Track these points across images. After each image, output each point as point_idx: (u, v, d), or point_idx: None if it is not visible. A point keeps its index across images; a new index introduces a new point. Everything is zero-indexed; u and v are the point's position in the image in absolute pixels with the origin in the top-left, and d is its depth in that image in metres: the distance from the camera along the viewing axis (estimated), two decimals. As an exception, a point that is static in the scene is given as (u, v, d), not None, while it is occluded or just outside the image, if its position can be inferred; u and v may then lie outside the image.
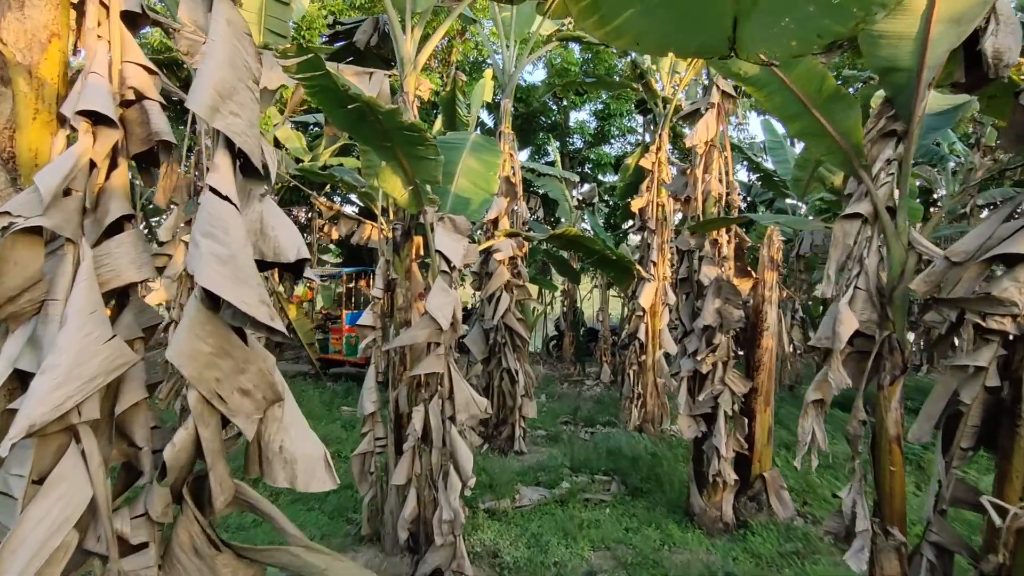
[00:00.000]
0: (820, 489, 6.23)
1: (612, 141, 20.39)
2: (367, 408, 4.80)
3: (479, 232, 10.80)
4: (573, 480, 6.59)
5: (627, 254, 4.96)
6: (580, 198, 17.37)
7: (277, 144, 18.03)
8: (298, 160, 14.87)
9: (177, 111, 16.37)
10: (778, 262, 5.43)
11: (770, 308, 5.45)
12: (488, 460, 7.48)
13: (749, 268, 5.31)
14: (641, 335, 8.57)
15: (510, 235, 4.70)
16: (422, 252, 4.84)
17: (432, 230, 4.37)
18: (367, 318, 4.86)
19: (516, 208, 8.57)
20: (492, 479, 6.57)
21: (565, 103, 18.63)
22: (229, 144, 1.50)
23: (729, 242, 5.28)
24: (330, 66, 3.26)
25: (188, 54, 1.83)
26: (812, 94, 2.71)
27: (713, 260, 5.40)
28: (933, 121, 3.93)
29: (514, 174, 8.26)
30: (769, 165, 12.92)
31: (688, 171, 5.61)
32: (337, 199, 22.79)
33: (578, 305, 17.10)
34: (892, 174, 2.60)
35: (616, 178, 20.36)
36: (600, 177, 20.04)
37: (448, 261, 4.40)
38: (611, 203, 18.75)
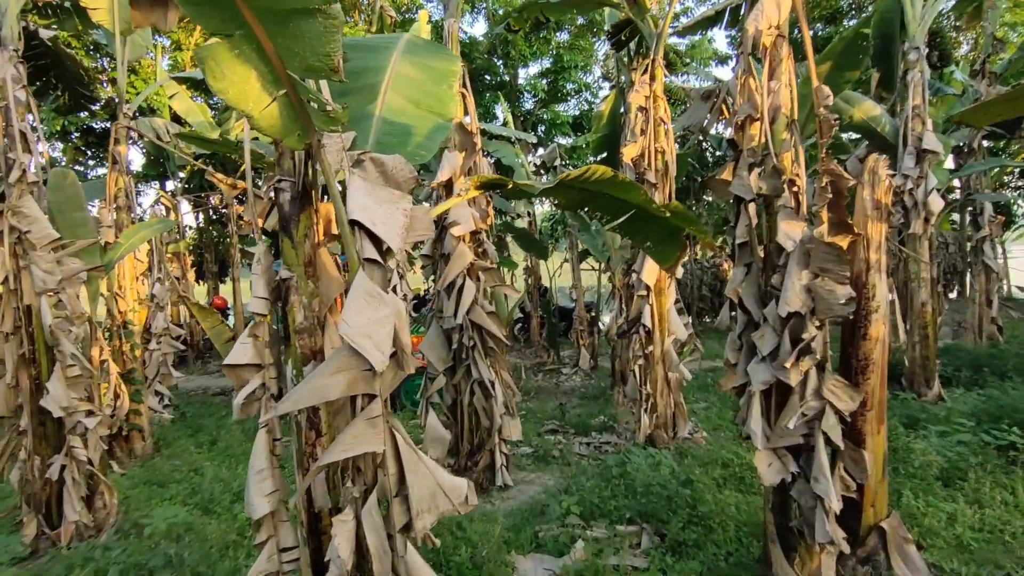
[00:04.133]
0: (927, 519, 4.53)
1: (567, 99, 18.36)
2: (258, 508, 2.72)
3: (427, 197, 8.65)
4: (588, 536, 4.71)
5: (682, 207, 2.98)
6: (538, 163, 15.36)
7: (176, 119, 15.34)
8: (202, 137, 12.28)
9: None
10: (888, 208, 3.59)
11: (878, 278, 3.62)
12: (464, 508, 5.50)
13: (850, 221, 3.44)
14: (646, 319, 6.70)
15: (484, 186, 2.67)
16: (333, 229, 2.78)
17: (341, 184, 2.32)
18: (244, 351, 2.76)
19: (474, 167, 6.50)
20: (473, 545, 4.60)
21: (512, 54, 16.44)
22: None
23: (822, 185, 3.39)
24: None
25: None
26: None
27: (795, 212, 3.51)
28: None
29: (469, 121, 6.19)
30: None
31: (742, 78, 3.68)
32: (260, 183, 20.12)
33: (547, 283, 15.20)
34: None
35: (573, 140, 18.40)
36: (557, 140, 18.04)
37: (377, 240, 2.36)
38: (575, 167, 16.80)
